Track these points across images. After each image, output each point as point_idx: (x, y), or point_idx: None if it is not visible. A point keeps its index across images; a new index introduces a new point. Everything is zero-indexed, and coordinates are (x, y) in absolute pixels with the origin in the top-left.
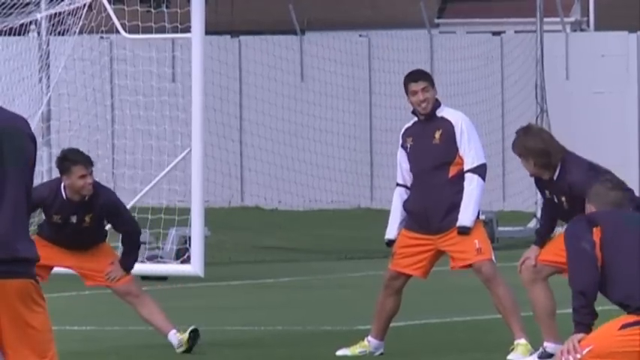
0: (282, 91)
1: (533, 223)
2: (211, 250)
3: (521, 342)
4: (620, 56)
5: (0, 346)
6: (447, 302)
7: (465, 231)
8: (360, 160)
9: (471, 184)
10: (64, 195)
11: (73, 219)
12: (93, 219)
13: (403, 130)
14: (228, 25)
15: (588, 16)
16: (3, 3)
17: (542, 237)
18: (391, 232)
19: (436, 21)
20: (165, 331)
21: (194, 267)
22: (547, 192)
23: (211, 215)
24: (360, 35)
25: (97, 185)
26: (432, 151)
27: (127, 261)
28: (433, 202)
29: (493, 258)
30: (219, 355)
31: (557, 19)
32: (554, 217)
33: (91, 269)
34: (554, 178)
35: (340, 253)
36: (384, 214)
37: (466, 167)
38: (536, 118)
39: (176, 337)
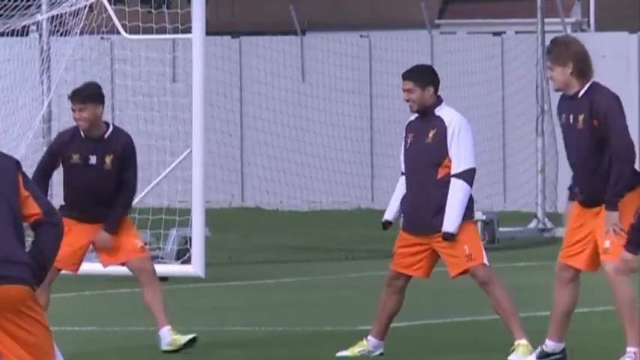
0: (284, 91)
1: (533, 224)
2: (212, 250)
3: (522, 342)
4: (620, 57)
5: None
6: (447, 303)
7: (448, 237)
8: (360, 162)
9: (454, 188)
10: (82, 134)
11: (93, 159)
12: (113, 161)
13: (407, 123)
14: (229, 25)
15: (589, 16)
16: (5, 5)
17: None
18: (390, 213)
19: (437, 22)
20: (160, 324)
21: (195, 267)
22: (564, 116)
23: (212, 216)
24: (361, 36)
25: (116, 127)
26: (425, 149)
27: (113, 216)
28: (421, 201)
29: (486, 261)
30: (219, 356)
31: (558, 20)
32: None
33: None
34: (580, 94)
35: (341, 254)
36: None
37: (453, 171)
38: (537, 119)
39: (169, 335)
